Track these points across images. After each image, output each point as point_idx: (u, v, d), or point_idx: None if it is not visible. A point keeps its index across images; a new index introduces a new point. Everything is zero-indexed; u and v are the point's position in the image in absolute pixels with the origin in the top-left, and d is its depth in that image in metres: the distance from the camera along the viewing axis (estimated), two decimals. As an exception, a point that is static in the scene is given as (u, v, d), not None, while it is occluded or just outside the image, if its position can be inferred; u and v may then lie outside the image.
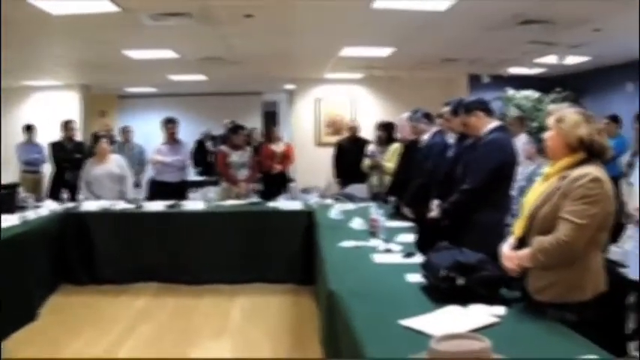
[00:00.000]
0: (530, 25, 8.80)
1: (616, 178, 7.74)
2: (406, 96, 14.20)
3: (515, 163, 6.01)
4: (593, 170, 3.65)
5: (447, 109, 7.02)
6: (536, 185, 4.04)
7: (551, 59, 11.86)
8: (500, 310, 3.64)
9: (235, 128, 11.32)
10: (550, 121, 3.91)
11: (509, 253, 3.89)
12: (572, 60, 12.20)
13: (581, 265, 3.66)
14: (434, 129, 7.66)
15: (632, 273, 5.52)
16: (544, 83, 14.71)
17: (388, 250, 5.59)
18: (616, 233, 6.73)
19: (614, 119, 10.96)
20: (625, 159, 9.16)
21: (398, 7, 7.82)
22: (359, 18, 8.48)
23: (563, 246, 3.56)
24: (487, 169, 5.74)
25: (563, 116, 3.83)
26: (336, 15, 8.39)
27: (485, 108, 5.99)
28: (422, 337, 3.04)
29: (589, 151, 3.73)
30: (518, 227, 3.94)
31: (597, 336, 3.53)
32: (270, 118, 20.58)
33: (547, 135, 3.92)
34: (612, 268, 4.97)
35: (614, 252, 6.25)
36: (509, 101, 14.05)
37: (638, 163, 7.14)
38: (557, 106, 4.64)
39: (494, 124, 5.97)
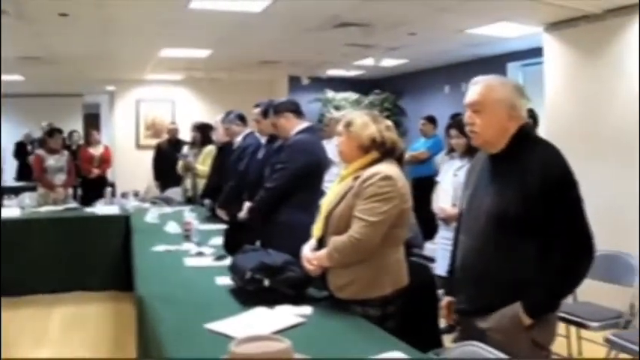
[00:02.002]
0: (348, 28, 8.91)
1: (431, 177, 7.94)
2: (227, 98, 14.15)
3: (321, 164, 6.05)
4: (384, 169, 3.75)
5: (257, 110, 7.01)
6: (332, 186, 4.10)
7: (370, 61, 12.05)
8: (307, 309, 3.66)
9: (51, 131, 11.02)
10: (339, 127, 4.00)
11: (308, 255, 3.91)
12: (390, 62, 12.47)
13: (379, 261, 3.74)
14: (247, 131, 7.68)
15: (439, 269, 5.65)
16: (363, 85, 15.06)
17: (200, 254, 5.52)
18: (432, 230, 6.88)
19: (431, 120, 11.29)
20: (440, 158, 9.40)
21: (214, 8, 7.74)
22: (176, 18, 8.36)
23: (357, 244, 3.63)
24: (291, 169, 5.76)
25: (352, 120, 3.93)
26: (153, 15, 8.24)
27: (294, 110, 6.03)
28: (226, 340, 2.98)
29: (382, 148, 3.85)
30: (316, 228, 3.98)
31: (411, 329, 3.63)
32: (92, 120, 20.07)
33: (338, 141, 4.00)
34: (422, 263, 5.09)
35: (431, 249, 6.38)
36: (329, 103, 14.26)
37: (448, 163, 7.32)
38: (342, 113, 4.76)
39: (303, 125, 6.01)
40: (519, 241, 3.19)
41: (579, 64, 8.06)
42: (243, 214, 6.43)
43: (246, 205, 6.37)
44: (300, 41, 10.14)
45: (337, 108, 13.61)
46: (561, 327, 5.79)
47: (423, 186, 8.00)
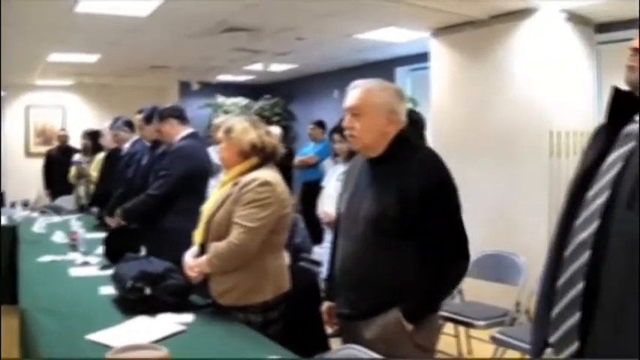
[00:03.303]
0: (235, 33, 8.91)
1: (320, 181, 7.99)
2: (118, 104, 13.86)
3: (205, 169, 6.05)
4: (263, 174, 3.78)
5: (139, 116, 6.99)
6: (214, 192, 4.10)
7: (259, 66, 12.08)
8: (188, 317, 3.65)
9: None
10: (220, 133, 4.02)
11: (189, 262, 3.90)
12: (279, 67, 12.52)
13: (259, 267, 3.76)
14: (135, 137, 7.59)
15: (326, 272, 5.70)
16: (254, 90, 15.09)
17: (86, 263, 5.43)
18: (320, 234, 6.93)
19: (320, 124, 11.33)
20: (327, 163, 9.46)
21: (101, 12, 7.62)
22: (63, 22, 8.20)
23: (236, 249, 3.65)
24: (174, 175, 5.75)
25: (231, 126, 3.96)
26: (40, 18, 8.03)
27: (179, 115, 6.03)
28: (106, 350, 2.95)
29: (262, 154, 3.89)
30: (197, 234, 3.98)
31: (297, 334, 3.65)
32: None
33: (220, 147, 4.03)
34: (307, 267, 5.12)
35: (319, 253, 6.41)
36: (219, 108, 14.23)
37: (333, 167, 7.36)
38: (222, 119, 4.78)
39: (187, 131, 6.00)
40: (398, 245, 3.20)
41: (465, 68, 8.25)
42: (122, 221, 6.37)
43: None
44: (189, 46, 10.08)
45: (227, 113, 13.61)
46: (450, 327, 5.91)
47: (312, 191, 8.06)
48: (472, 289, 5.94)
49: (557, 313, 2.09)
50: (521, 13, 7.43)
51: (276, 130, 11.59)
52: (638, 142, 2.05)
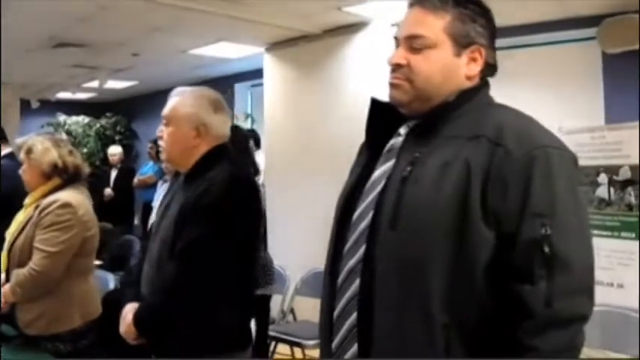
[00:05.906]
0: (69, 48, 8.64)
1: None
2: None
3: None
4: (64, 196, 3.66)
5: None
6: (17, 216, 3.92)
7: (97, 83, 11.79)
8: (-7, 350, 3.45)
9: None
10: (21, 154, 3.86)
11: None
12: (119, 84, 12.20)
13: (65, 293, 3.61)
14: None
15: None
16: (96, 108, 14.70)
17: None
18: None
19: (156, 143, 11.11)
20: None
21: None
22: None
23: (37, 276, 3.50)
24: None
25: (32, 146, 3.81)
26: None
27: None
28: None
29: (65, 174, 3.76)
30: (2, 261, 3.78)
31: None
32: None
33: (22, 170, 3.87)
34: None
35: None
36: (60, 127, 13.84)
37: (162, 187, 7.19)
38: (25, 138, 4.54)
39: (5, 151, 5.76)
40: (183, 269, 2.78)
41: (298, 83, 8.27)
42: None
43: None
44: (23, 62, 9.69)
45: (69, 132, 13.29)
46: (286, 348, 5.85)
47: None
48: (304, 307, 5.90)
49: (337, 345, 1.96)
50: (353, 27, 7.49)
51: (116, 149, 11.47)
52: (397, 158, 1.97)
